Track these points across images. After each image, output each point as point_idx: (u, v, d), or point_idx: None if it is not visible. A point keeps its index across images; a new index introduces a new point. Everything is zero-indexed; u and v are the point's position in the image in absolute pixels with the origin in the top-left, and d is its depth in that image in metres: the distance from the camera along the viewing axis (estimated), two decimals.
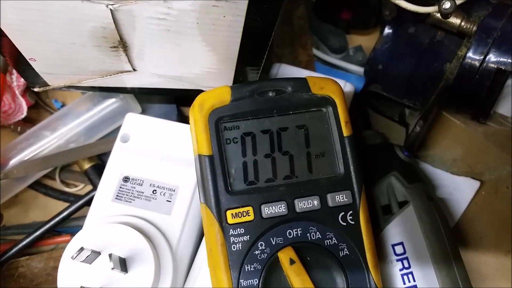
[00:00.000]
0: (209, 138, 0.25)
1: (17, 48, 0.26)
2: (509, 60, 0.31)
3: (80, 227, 0.31)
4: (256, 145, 0.26)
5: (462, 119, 0.37)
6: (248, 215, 0.25)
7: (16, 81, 0.38)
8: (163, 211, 0.30)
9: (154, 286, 0.27)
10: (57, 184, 0.40)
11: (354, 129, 0.28)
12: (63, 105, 0.42)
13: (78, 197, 0.38)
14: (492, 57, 0.31)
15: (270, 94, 0.26)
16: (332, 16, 0.40)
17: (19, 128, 0.41)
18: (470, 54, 0.31)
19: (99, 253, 0.27)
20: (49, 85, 0.31)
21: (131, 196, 0.31)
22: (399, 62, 0.34)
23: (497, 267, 0.35)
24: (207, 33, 0.25)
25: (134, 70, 0.29)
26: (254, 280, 0.24)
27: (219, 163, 0.25)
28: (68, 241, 0.36)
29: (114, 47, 0.25)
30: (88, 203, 0.37)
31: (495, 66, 0.31)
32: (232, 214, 0.25)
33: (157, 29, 0.24)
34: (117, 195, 0.31)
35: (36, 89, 0.32)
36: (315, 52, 0.40)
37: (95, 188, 0.37)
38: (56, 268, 0.35)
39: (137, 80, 0.31)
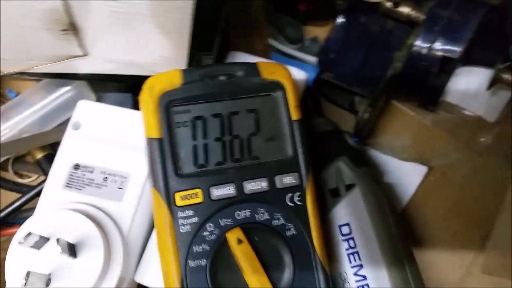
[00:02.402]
0: (158, 121, 0.25)
1: None
2: (455, 48, 0.32)
3: None
4: (207, 128, 0.26)
5: (412, 107, 0.38)
6: (197, 197, 0.25)
7: None
8: (114, 198, 0.30)
9: (104, 272, 0.27)
10: (9, 175, 0.39)
11: (306, 117, 0.28)
12: (17, 95, 0.41)
13: (31, 188, 0.37)
14: (438, 44, 0.32)
15: (221, 78, 0.27)
16: (289, 7, 0.40)
17: None
18: (418, 42, 0.33)
19: (47, 239, 0.27)
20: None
21: (81, 183, 0.30)
22: (350, 51, 0.35)
23: (443, 248, 0.36)
24: (159, 16, 0.25)
25: (86, 55, 0.29)
26: (202, 260, 0.25)
27: (169, 146, 0.25)
28: None
29: (65, 30, 0.25)
30: (40, 193, 0.36)
31: (442, 54, 0.32)
32: (180, 196, 0.25)
33: (109, 11, 0.24)
34: (67, 183, 0.30)
35: None
36: (272, 42, 0.40)
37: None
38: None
39: (90, 66, 0.30)
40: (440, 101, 0.38)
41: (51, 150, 0.37)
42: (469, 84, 0.38)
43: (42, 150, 0.37)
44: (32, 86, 0.40)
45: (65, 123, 0.39)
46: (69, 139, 0.32)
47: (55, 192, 0.30)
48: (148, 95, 0.25)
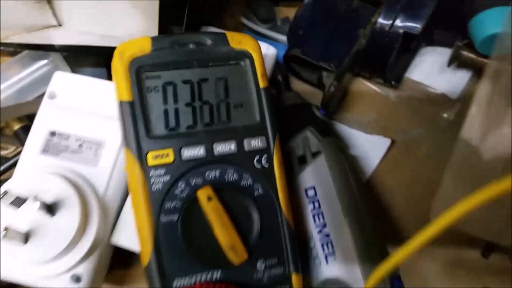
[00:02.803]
0: (129, 85, 0.26)
1: None
2: (415, 25, 0.34)
3: None
4: (177, 94, 0.28)
5: (377, 84, 0.40)
6: (168, 157, 0.26)
7: None
8: (89, 163, 0.31)
9: (80, 231, 0.29)
10: None
11: (277, 91, 0.30)
12: None
13: (8, 159, 0.38)
14: (399, 21, 0.34)
15: (191, 46, 0.28)
16: None
17: None
18: (380, 19, 0.35)
19: (25, 200, 0.28)
20: None
21: (57, 150, 0.32)
22: (317, 28, 0.37)
23: (406, 216, 0.38)
24: None
25: (61, 25, 0.29)
26: (174, 215, 0.26)
27: (140, 109, 0.26)
28: None
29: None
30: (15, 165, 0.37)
31: (403, 30, 0.34)
32: (152, 156, 0.26)
33: None
34: (43, 149, 0.31)
35: None
36: (245, 21, 0.42)
37: None
38: None
39: (65, 37, 0.31)
40: (404, 79, 0.40)
41: (28, 121, 0.38)
42: (432, 62, 0.41)
43: (19, 121, 0.38)
44: (8, 60, 0.40)
45: (41, 96, 0.40)
46: (45, 108, 0.33)
47: (32, 157, 0.31)
48: (118, 60, 0.27)
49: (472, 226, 0.26)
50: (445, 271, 0.38)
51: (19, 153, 0.37)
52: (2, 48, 0.34)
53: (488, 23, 0.32)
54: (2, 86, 0.39)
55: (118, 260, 0.35)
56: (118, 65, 0.26)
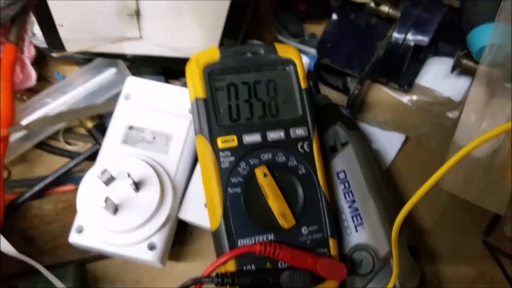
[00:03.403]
0: (203, 85, 0.34)
1: (51, 14, 0.33)
2: (423, 38, 0.41)
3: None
4: (238, 92, 0.35)
5: (392, 89, 0.47)
6: (233, 142, 0.33)
7: (27, 52, 0.45)
8: (161, 152, 0.38)
9: (158, 206, 0.35)
10: (60, 144, 0.47)
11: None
12: (63, 77, 0.49)
13: (80, 153, 0.45)
14: (410, 35, 0.41)
15: (248, 54, 0.35)
16: (291, 7, 0.50)
17: (24, 96, 0.47)
18: (395, 34, 0.42)
19: (114, 178, 0.35)
20: (66, 51, 0.39)
21: (135, 140, 0.38)
22: (342, 41, 0.44)
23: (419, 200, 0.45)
24: (203, 6, 0.33)
25: (141, 37, 0.37)
26: (238, 188, 0.33)
27: (211, 104, 0.33)
28: (72, 190, 0.43)
29: (131, 14, 0.33)
30: (89, 157, 0.44)
31: (413, 43, 0.42)
32: (221, 140, 0.33)
33: (166, 1, 0.32)
34: (124, 140, 0.38)
35: (54, 54, 0.39)
36: (279, 36, 0.49)
37: (97, 143, 0.44)
38: (65, 208, 0.42)
39: (140, 48, 0.39)
40: (415, 84, 0.47)
41: (100, 120, 0.45)
42: (438, 70, 0.48)
43: (92, 120, 0.45)
44: (78, 69, 0.48)
45: (110, 99, 0.47)
46: (122, 106, 0.40)
47: (114, 147, 0.38)
48: (195, 65, 0.34)
49: (465, 191, 0.33)
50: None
51: (90, 148, 0.44)
52: (80, 56, 0.41)
53: (482, 36, 0.39)
54: (75, 91, 0.46)
55: (175, 239, 0.41)
56: (195, 69, 0.33)
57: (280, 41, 0.49)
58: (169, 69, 0.47)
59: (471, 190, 0.36)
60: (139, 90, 0.40)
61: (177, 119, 0.39)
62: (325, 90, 0.48)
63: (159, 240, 0.36)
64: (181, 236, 0.43)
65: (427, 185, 0.28)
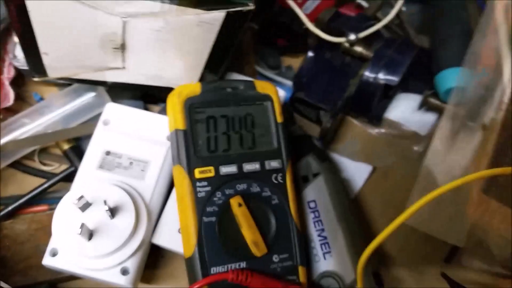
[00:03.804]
0: (184, 117, 0.35)
1: (36, 42, 0.34)
2: (394, 78, 0.44)
3: (56, 199, 0.38)
4: (217, 125, 0.36)
5: (362, 122, 0.50)
6: (210, 172, 0.35)
7: (7, 73, 0.45)
8: (138, 178, 0.39)
9: (132, 232, 0.36)
10: (35, 164, 0.47)
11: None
12: (41, 98, 0.49)
13: (54, 174, 0.45)
14: (381, 75, 0.44)
15: (228, 90, 0.37)
16: (270, 42, 0.52)
17: (1, 115, 0.47)
18: (366, 73, 0.44)
19: (91, 204, 0.36)
20: (48, 76, 0.39)
21: (112, 166, 0.39)
22: (317, 77, 0.47)
23: (382, 228, 0.47)
24: (187, 44, 0.35)
25: (123, 67, 0.38)
26: (213, 217, 0.34)
27: (190, 136, 0.35)
28: (45, 210, 0.44)
29: (116, 48, 0.34)
30: (64, 179, 0.44)
31: (384, 82, 0.44)
32: (199, 171, 0.34)
33: (152, 37, 0.33)
34: (100, 165, 0.39)
35: (35, 79, 0.39)
36: (258, 68, 0.51)
37: (72, 165, 0.44)
38: (38, 229, 0.42)
39: (122, 77, 0.40)
40: (384, 118, 0.50)
41: (76, 143, 0.46)
42: (406, 106, 0.51)
43: (68, 142, 0.45)
44: (57, 92, 0.48)
45: (87, 122, 0.47)
46: (100, 132, 0.40)
47: (90, 171, 0.39)
48: (177, 98, 0.35)
49: (427, 226, 0.36)
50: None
51: (65, 170, 0.45)
52: (60, 81, 0.41)
53: (448, 79, 0.43)
54: (53, 114, 0.46)
55: (148, 262, 0.42)
56: (176, 101, 0.35)
57: (259, 73, 0.51)
58: (148, 94, 0.48)
59: (434, 225, 0.39)
60: (118, 116, 0.41)
61: (154, 146, 0.40)
62: (299, 120, 0.50)
63: (132, 264, 0.37)
64: (153, 259, 0.43)
65: (395, 224, 0.30)
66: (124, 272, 0.37)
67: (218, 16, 0.31)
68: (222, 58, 0.37)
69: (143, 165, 0.40)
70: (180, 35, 0.34)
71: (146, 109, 0.48)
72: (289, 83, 0.51)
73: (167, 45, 0.35)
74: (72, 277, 0.42)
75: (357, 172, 0.48)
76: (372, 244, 0.29)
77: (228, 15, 0.31)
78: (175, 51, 0.36)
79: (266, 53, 0.52)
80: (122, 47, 0.35)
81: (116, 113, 0.41)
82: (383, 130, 0.50)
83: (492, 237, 0.40)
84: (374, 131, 0.50)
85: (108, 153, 0.40)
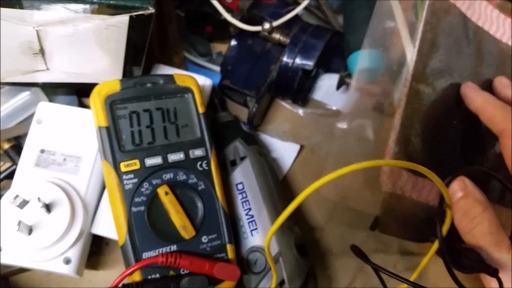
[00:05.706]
0: (105, 115, 0.37)
1: None
2: (309, 62, 0.47)
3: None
4: (140, 119, 0.38)
5: (289, 103, 0.53)
6: (135, 165, 0.37)
7: None
8: (72, 173, 0.41)
9: (69, 224, 0.39)
10: None
11: (214, 111, 0.41)
12: None
13: None
14: (298, 60, 0.47)
15: (148, 85, 0.39)
16: (198, 29, 0.54)
17: None
18: (284, 58, 0.47)
19: (28, 201, 0.38)
20: None
21: (47, 163, 0.41)
22: (241, 64, 0.49)
23: (312, 205, 0.51)
24: (102, 44, 0.37)
25: (48, 69, 0.39)
26: (141, 207, 0.37)
27: (114, 132, 0.37)
28: None
29: (36, 53, 0.36)
30: (7, 177, 0.46)
31: (301, 67, 0.47)
32: (124, 165, 0.37)
33: (67, 41, 0.35)
34: (36, 163, 0.41)
35: None
36: (187, 55, 0.53)
37: (14, 163, 0.46)
38: None
39: (49, 77, 0.41)
40: (309, 99, 0.53)
41: (16, 141, 0.47)
42: (329, 86, 0.54)
43: (8, 142, 0.46)
44: None
45: (25, 120, 0.49)
46: (34, 131, 0.42)
47: (27, 169, 0.41)
48: (97, 97, 0.37)
49: (345, 197, 0.40)
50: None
51: (8, 168, 0.46)
52: None
53: (356, 61, 0.46)
54: None
55: (93, 250, 0.45)
56: (97, 100, 0.37)
57: (190, 60, 0.53)
58: (81, 89, 0.49)
59: (351, 196, 0.43)
60: (50, 114, 0.43)
61: (86, 141, 0.42)
62: (231, 104, 0.53)
63: (74, 254, 0.40)
64: (98, 247, 0.46)
65: (299, 198, 0.33)
66: (67, 261, 0.39)
67: (123, 19, 0.33)
68: (141, 53, 0.39)
69: (76, 161, 0.42)
70: (93, 38, 0.35)
71: (81, 102, 0.50)
72: (219, 69, 0.53)
73: (83, 46, 0.36)
74: (23, 270, 0.44)
75: (286, 151, 0.51)
76: (281, 217, 0.32)
77: (132, 18, 0.33)
78: (92, 51, 0.37)
79: (195, 41, 0.53)
80: (42, 52, 0.36)
81: (48, 112, 0.43)
82: (309, 110, 0.54)
83: (404, 203, 0.44)
84: (300, 111, 0.54)
85: (42, 151, 0.42)
